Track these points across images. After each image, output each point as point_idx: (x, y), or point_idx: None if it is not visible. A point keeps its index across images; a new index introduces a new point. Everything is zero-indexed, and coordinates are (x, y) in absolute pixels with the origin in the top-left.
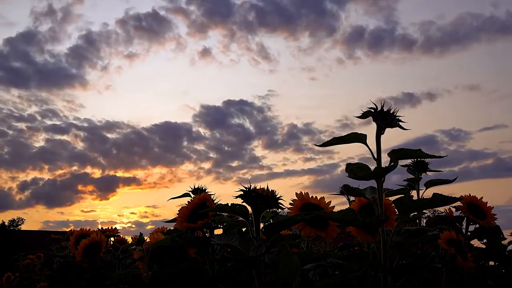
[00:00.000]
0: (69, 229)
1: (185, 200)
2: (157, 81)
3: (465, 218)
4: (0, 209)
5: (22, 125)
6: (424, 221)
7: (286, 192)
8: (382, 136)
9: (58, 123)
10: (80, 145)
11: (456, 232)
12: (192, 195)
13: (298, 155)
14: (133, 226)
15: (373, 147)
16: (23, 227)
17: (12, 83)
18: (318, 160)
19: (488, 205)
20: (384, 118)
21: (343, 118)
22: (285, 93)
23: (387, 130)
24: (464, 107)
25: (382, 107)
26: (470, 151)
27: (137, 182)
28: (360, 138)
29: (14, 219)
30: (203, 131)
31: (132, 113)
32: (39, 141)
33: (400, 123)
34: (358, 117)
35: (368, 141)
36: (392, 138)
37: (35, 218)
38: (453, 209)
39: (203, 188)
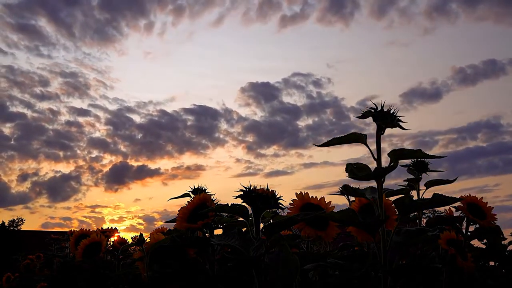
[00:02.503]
0: (70, 229)
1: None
2: (201, 46)
3: (465, 218)
4: (6, 205)
5: (41, 105)
6: (424, 221)
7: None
8: (449, 112)
9: (80, 106)
10: (101, 131)
11: (456, 232)
12: (192, 195)
13: None
14: (142, 222)
15: (373, 147)
16: (23, 227)
17: (32, 50)
18: (364, 148)
19: (488, 205)
20: (384, 118)
21: (409, 92)
22: (354, 61)
23: (466, 103)
24: None
25: (382, 107)
26: None
27: (154, 173)
28: (360, 138)
29: (14, 219)
30: (244, 112)
31: (167, 90)
32: (58, 125)
33: (400, 123)
34: (358, 117)
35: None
36: (452, 121)
37: (40, 213)
38: (453, 209)
39: (203, 188)
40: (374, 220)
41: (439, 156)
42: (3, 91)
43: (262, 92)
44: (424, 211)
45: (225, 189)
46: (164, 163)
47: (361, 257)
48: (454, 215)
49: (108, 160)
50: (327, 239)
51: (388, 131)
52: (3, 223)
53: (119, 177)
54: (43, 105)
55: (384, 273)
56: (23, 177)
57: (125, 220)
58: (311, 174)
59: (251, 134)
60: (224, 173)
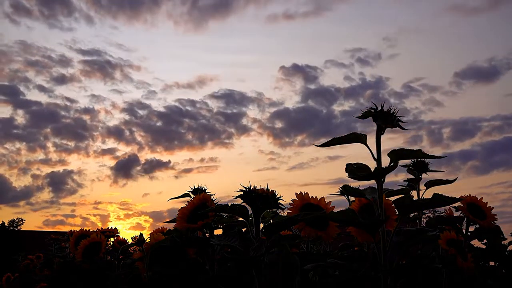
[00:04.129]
0: (73, 227)
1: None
2: (240, 18)
3: (465, 219)
4: (8, 201)
5: (55, 89)
6: (424, 221)
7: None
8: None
9: (99, 91)
10: (118, 119)
11: (456, 233)
12: (192, 195)
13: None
14: (149, 219)
15: (373, 147)
16: (23, 227)
17: (49, 18)
18: (400, 136)
19: (488, 205)
20: (384, 118)
21: (463, 71)
22: (411, 32)
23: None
24: None
25: (382, 107)
26: None
27: (167, 166)
28: (360, 138)
29: (14, 220)
30: (276, 96)
31: (197, 70)
32: (73, 112)
33: (400, 123)
34: (358, 117)
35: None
36: (502, 105)
37: (43, 210)
38: (453, 210)
39: (203, 189)
40: (374, 220)
41: (439, 156)
42: (14, 72)
43: (300, 73)
44: (424, 211)
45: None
46: (181, 155)
47: (361, 257)
48: (454, 215)
49: (121, 152)
50: (327, 239)
51: (428, 117)
52: (3, 223)
53: (128, 170)
54: (58, 90)
55: (384, 273)
56: (28, 172)
57: (131, 217)
58: (336, 167)
59: (279, 122)
60: (246, 166)
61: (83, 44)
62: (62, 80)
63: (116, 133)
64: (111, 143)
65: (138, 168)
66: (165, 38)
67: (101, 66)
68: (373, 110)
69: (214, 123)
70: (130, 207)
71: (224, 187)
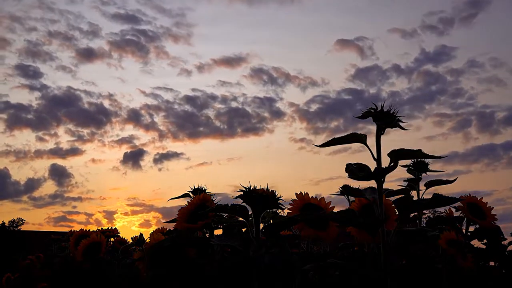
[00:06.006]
0: (74, 226)
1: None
2: None
3: (465, 219)
4: (11, 196)
5: (79, 69)
6: (424, 221)
7: None
8: None
9: (125, 71)
10: (140, 105)
11: (456, 233)
12: (192, 195)
13: (435, 110)
14: (158, 215)
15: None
16: (23, 227)
17: None
18: (446, 120)
19: (488, 205)
20: (384, 118)
21: None
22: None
23: None
24: None
25: (382, 107)
26: None
27: (182, 158)
28: (360, 138)
29: (14, 220)
30: (320, 76)
31: (240, 46)
32: (92, 97)
33: (400, 123)
34: (357, 117)
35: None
36: None
37: (46, 207)
38: (453, 210)
39: (203, 189)
40: (374, 220)
41: (439, 156)
42: (33, 45)
43: (351, 48)
44: (424, 211)
45: (263, 180)
46: (205, 144)
47: (361, 257)
48: (454, 215)
49: (140, 142)
50: (327, 240)
51: (484, 98)
52: (3, 223)
53: (139, 162)
54: (79, 69)
55: (384, 273)
56: (33, 165)
57: (141, 213)
58: (366, 159)
59: (317, 105)
60: (273, 156)
61: (114, 6)
62: (85, 56)
63: (136, 120)
64: (129, 131)
65: (152, 160)
66: (208, 4)
67: (133, 37)
68: (373, 110)
69: (246, 107)
70: (140, 203)
71: (242, 180)
